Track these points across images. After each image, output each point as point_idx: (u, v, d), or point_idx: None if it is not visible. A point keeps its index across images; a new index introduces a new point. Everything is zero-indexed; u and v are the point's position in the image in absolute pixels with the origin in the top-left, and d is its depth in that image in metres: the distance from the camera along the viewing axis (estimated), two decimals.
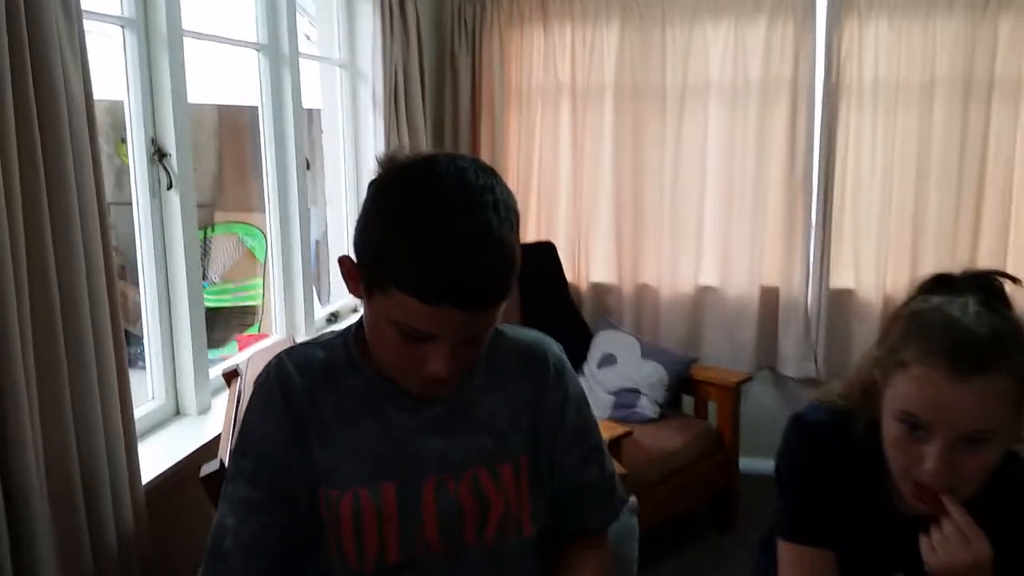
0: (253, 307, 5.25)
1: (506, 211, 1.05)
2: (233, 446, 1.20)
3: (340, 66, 3.05)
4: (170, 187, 1.98)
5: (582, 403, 1.31)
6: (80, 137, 1.46)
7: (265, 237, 3.80)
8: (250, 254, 5.36)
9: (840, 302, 3.50)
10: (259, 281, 5.21)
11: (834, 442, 1.21)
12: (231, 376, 1.95)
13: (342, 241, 3.20)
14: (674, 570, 2.93)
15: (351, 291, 1.12)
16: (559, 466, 1.27)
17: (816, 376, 3.50)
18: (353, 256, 1.10)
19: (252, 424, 1.17)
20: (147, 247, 1.99)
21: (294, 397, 1.15)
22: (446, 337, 1.05)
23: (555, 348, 1.30)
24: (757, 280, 3.52)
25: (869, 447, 1.16)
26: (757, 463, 3.50)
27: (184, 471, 1.90)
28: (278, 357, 1.19)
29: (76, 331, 1.46)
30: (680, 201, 3.57)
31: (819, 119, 3.43)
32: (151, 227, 1.98)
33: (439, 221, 1.02)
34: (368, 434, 1.16)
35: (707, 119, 3.52)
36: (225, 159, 5.64)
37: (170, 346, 2.07)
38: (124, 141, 2.45)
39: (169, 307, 2.05)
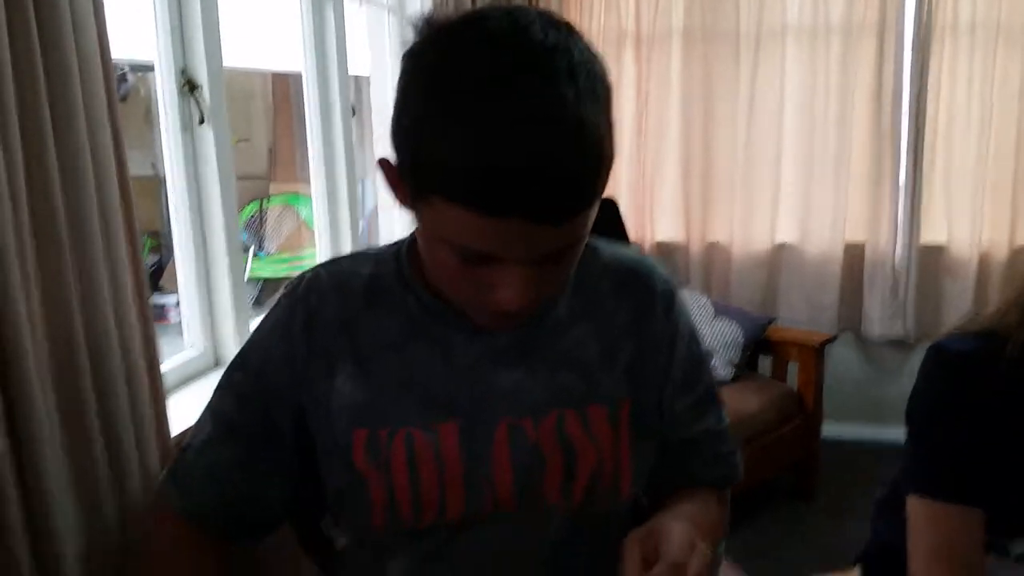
0: None
1: (588, 79, 0.76)
2: (236, 354, 1.02)
3: (388, 10, 2.89)
4: (202, 122, 1.84)
5: (694, 339, 1.06)
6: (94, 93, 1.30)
7: None
8: (305, 225, 5.29)
9: (931, 259, 3.24)
10: (315, 251, 5.15)
11: (984, 375, 0.99)
12: None
13: (394, 210, 3.03)
14: (749, 541, 2.72)
15: (398, 200, 0.87)
16: (665, 414, 1.04)
17: (905, 338, 3.24)
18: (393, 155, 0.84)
19: (260, 340, 0.99)
20: (179, 184, 1.85)
21: (321, 322, 0.95)
22: (515, 258, 0.79)
23: (661, 270, 1.05)
24: (840, 236, 3.26)
25: None
26: (839, 429, 3.27)
27: None
28: (314, 271, 1.00)
29: (89, 271, 1.31)
30: (755, 153, 3.32)
31: (909, 63, 3.15)
32: (183, 162, 1.84)
33: (491, 99, 0.73)
34: (421, 362, 0.95)
35: (784, 65, 3.26)
36: (279, 129, 5.57)
37: (206, 290, 1.93)
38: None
39: (205, 248, 1.91)
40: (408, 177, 0.81)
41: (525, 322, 0.94)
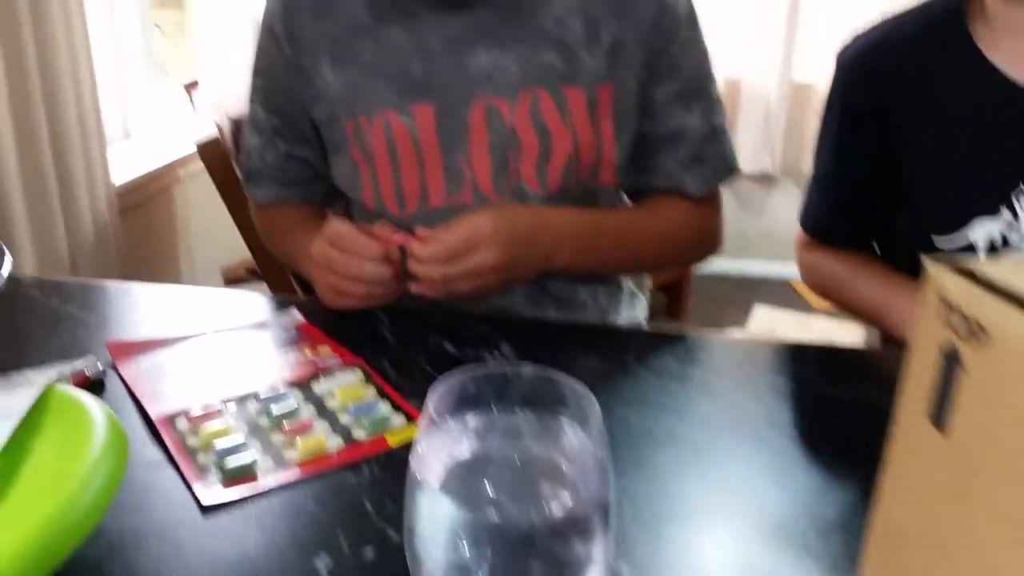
0: None
1: None
2: (252, 60, 1.05)
3: None
4: None
5: (689, 22, 0.98)
6: None
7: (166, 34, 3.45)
8: None
9: (801, 96, 3.46)
10: None
11: (875, 62, 0.99)
12: (191, 88, 1.77)
13: None
14: None
15: None
16: (646, 102, 0.98)
17: (771, 171, 3.50)
18: None
19: (259, 46, 1.03)
20: None
21: (299, 13, 0.97)
22: None
23: None
24: (722, 72, 3.42)
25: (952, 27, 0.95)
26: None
27: (148, 186, 1.76)
28: None
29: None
30: None
31: None
32: None
33: None
34: (394, 45, 0.95)
35: None
36: None
37: (116, 63, 1.86)
38: None
39: (113, 17, 1.83)
40: None
41: None
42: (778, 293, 3.42)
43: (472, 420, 0.51)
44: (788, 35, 3.35)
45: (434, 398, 0.48)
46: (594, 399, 0.48)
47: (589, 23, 0.95)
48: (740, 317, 3.11)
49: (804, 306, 3.20)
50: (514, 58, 0.94)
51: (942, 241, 0.97)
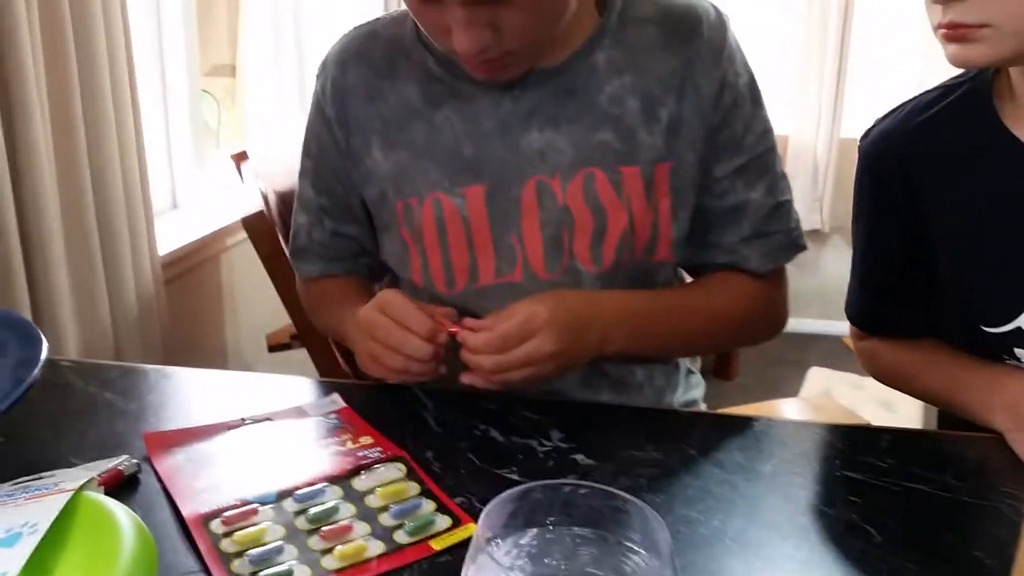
0: None
1: None
2: (303, 137, 1.04)
3: None
4: None
5: (751, 98, 0.94)
6: None
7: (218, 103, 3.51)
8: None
9: (849, 152, 3.40)
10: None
11: (898, 142, 0.94)
12: (240, 158, 1.78)
13: None
14: None
15: None
16: (706, 178, 0.94)
17: (820, 227, 3.43)
18: None
19: (310, 123, 1.01)
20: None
21: (347, 94, 0.95)
22: None
23: (714, 13, 0.93)
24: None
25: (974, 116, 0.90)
26: None
27: (195, 255, 1.77)
28: (340, 42, 0.99)
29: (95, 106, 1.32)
30: None
31: None
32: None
33: None
34: (446, 128, 0.92)
35: None
36: None
37: (166, 134, 1.89)
38: None
39: (164, 88, 1.85)
40: None
41: (553, 77, 0.90)
42: (830, 351, 3.32)
43: (526, 542, 0.47)
44: (836, 91, 3.31)
45: (484, 522, 0.44)
46: (663, 523, 0.44)
47: (647, 101, 0.91)
48: (792, 376, 3.02)
49: (857, 364, 3.10)
50: (568, 138, 0.91)
51: (993, 333, 0.90)
